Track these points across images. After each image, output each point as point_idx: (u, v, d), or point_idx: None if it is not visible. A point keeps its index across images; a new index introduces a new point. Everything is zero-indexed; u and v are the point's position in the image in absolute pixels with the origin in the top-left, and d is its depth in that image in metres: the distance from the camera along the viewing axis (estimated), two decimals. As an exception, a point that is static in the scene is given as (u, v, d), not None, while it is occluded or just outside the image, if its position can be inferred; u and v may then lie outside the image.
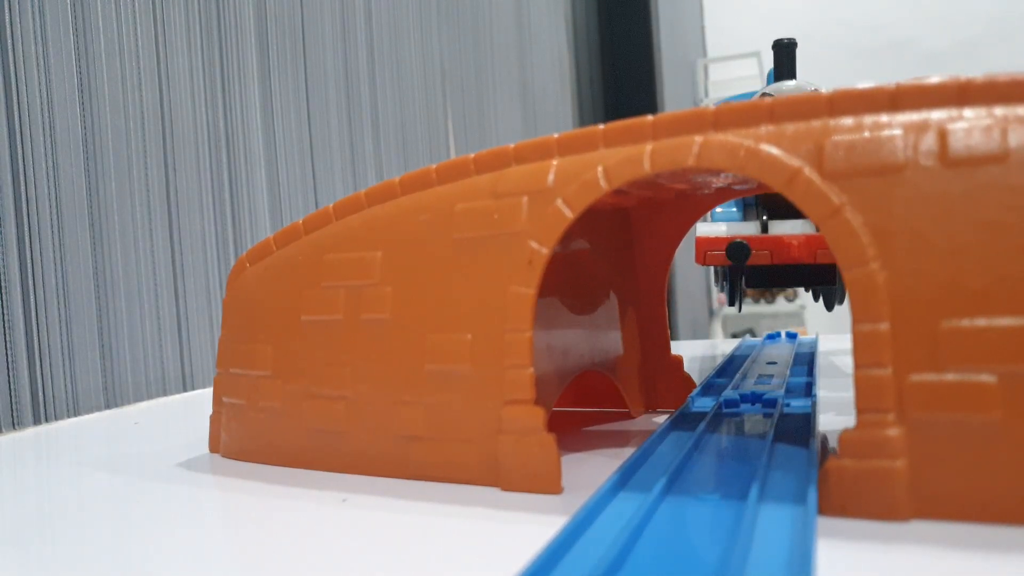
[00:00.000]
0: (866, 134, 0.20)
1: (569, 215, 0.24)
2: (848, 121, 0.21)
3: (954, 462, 0.19)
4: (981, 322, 0.18)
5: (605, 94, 1.61)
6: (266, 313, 0.30)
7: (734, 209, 0.35)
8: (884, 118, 0.20)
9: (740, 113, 0.22)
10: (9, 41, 0.44)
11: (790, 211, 0.34)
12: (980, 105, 0.20)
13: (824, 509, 0.20)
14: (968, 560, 0.17)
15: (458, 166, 0.27)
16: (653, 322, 0.35)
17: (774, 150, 0.21)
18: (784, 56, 0.31)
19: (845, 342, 0.45)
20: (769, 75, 0.36)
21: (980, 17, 2.16)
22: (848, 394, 0.36)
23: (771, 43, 0.33)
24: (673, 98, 1.82)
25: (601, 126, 0.25)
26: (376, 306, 0.27)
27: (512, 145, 0.26)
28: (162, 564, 0.20)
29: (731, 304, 0.36)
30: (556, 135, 0.25)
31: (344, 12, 0.73)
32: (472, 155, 0.27)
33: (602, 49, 1.62)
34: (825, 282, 0.34)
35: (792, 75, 0.35)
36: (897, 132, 0.20)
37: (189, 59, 0.56)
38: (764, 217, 0.33)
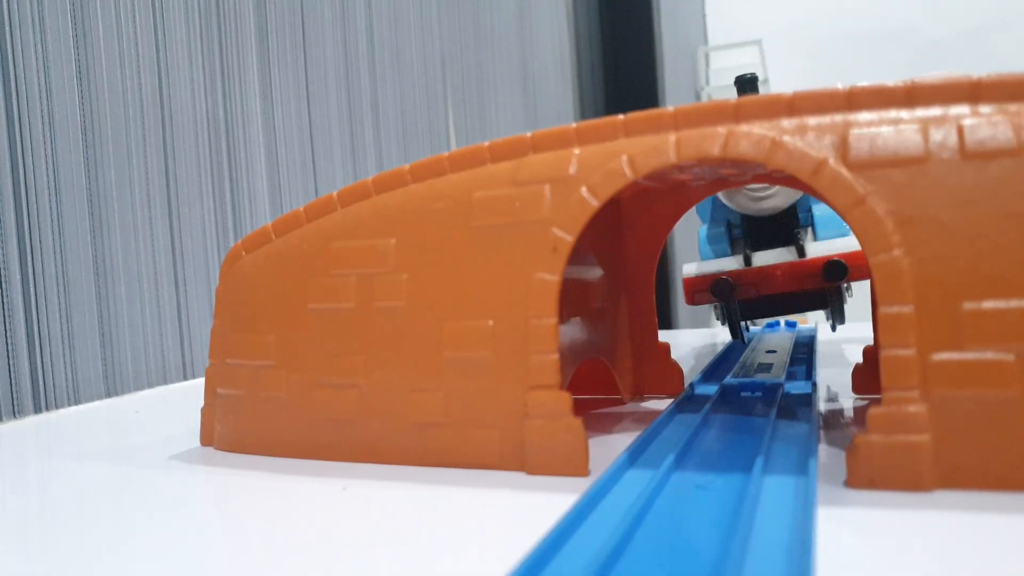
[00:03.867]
0: (888, 128, 0.21)
1: (594, 203, 0.24)
2: (868, 115, 0.22)
3: (975, 436, 0.20)
4: (1000, 304, 0.20)
5: (606, 82, 1.61)
6: (267, 302, 0.30)
7: (716, 247, 0.36)
8: (904, 113, 0.22)
9: (761, 106, 0.23)
10: (7, 28, 0.43)
11: (775, 238, 0.35)
12: (993, 102, 0.21)
13: (852, 482, 0.21)
14: (988, 523, 0.18)
15: (472, 154, 0.27)
16: (642, 310, 0.36)
17: (799, 142, 0.22)
18: (748, 91, 0.32)
19: (844, 331, 0.46)
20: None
21: (982, 6, 2.19)
22: (846, 374, 0.37)
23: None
24: (674, 86, 1.81)
25: (621, 116, 0.25)
26: (391, 294, 0.27)
27: (529, 134, 0.26)
28: (164, 555, 0.19)
29: (735, 338, 0.37)
30: (575, 124, 0.26)
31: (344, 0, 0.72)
32: (487, 143, 0.27)
33: (603, 37, 1.61)
34: (817, 307, 0.35)
35: None
36: (918, 126, 0.21)
37: (188, 46, 0.55)
38: (747, 250, 0.34)
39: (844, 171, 0.21)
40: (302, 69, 0.66)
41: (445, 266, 0.26)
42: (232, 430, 0.30)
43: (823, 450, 0.25)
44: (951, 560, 0.16)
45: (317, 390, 0.28)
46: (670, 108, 0.24)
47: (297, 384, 0.28)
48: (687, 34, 2.20)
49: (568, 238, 0.24)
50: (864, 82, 0.23)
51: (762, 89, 0.31)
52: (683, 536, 0.18)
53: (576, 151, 0.25)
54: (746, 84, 0.31)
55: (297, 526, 0.21)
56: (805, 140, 0.22)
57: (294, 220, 0.30)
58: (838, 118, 0.22)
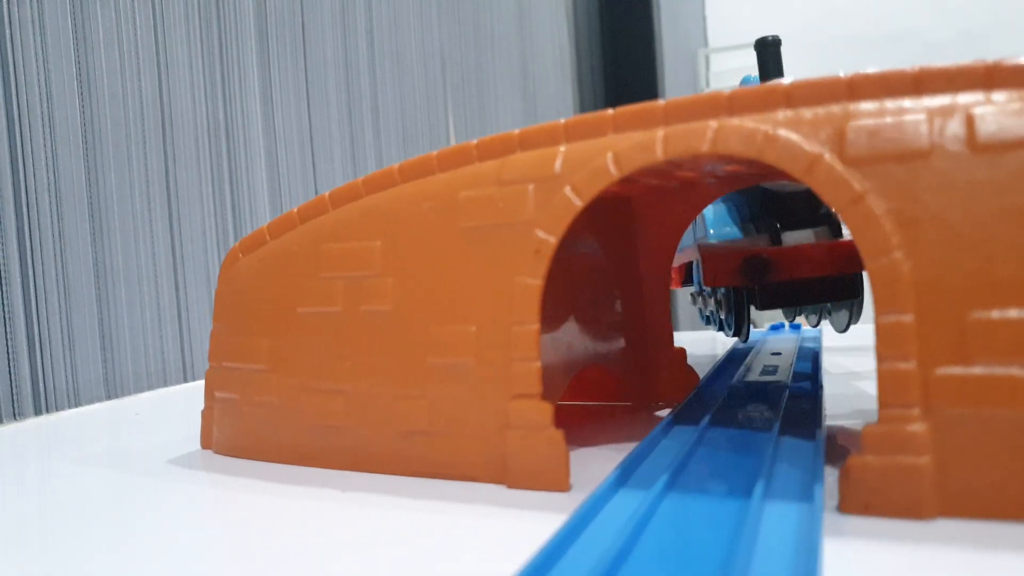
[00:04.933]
0: (889, 119, 0.20)
1: (578, 203, 0.23)
2: (869, 106, 0.20)
3: (983, 458, 0.18)
4: (1012, 313, 0.18)
5: (606, 83, 1.60)
6: (261, 305, 0.29)
7: (727, 228, 0.32)
8: (908, 103, 0.20)
9: (755, 97, 0.22)
10: (7, 31, 0.44)
11: (802, 217, 0.31)
12: (1010, 88, 0.19)
13: (846, 507, 0.19)
14: (995, 559, 0.16)
15: (460, 152, 0.26)
16: (655, 314, 0.35)
17: (793, 135, 0.20)
18: (769, 56, 0.28)
19: (847, 333, 0.44)
20: (745, 79, 0.32)
21: (982, 8, 2.13)
22: (854, 385, 0.35)
23: (753, 42, 0.30)
24: (674, 87, 1.79)
25: (610, 111, 0.24)
26: (376, 297, 0.26)
27: (516, 131, 0.25)
28: (157, 560, 0.19)
29: (737, 334, 0.32)
30: (563, 120, 0.25)
31: (344, 1, 0.72)
32: (474, 141, 0.26)
33: (603, 37, 1.60)
34: (848, 296, 0.31)
35: (780, 76, 0.30)
36: (922, 116, 0.19)
37: (188, 49, 0.55)
38: (777, 226, 0.30)
39: (840, 167, 0.20)
40: (302, 71, 0.66)
41: (430, 269, 0.25)
42: (228, 434, 0.30)
43: (830, 472, 0.23)
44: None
45: (306, 395, 0.27)
46: (661, 102, 0.23)
47: (288, 389, 0.28)
48: (687, 36, 2.16)
49: (551, 240, 0.23)
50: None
51: None
52: (673, 571, 0.16)
53: (562, 148, 0.24)
54: (768, 47, 0.28)
55: (276, 537, 0.20)
56: (800, 133, 0.20)
57: (288, 222, 0.29)
58: (837, 109, 0.20)
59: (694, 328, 0.46)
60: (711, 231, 0.32)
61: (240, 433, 0.30)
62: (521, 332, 0.23)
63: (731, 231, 0.32)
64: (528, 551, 0.17)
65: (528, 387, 0.23)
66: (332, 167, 0.69)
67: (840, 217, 0.20)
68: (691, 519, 0.19)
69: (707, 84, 2.27)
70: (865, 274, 0.31)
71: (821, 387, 0.31)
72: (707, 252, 0.31)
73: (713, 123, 0.22)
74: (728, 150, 0.21)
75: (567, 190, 0.23)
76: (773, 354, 0.40)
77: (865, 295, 0.31)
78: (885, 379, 0.19)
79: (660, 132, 0.22)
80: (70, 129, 0.47)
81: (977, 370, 0.18)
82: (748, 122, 0.21)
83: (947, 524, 0.18)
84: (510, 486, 0.23)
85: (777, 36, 0.28)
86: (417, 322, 0.25)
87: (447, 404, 0.25)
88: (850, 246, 0.30)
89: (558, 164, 0.24)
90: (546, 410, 0.23)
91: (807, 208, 0.31)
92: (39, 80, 0.45)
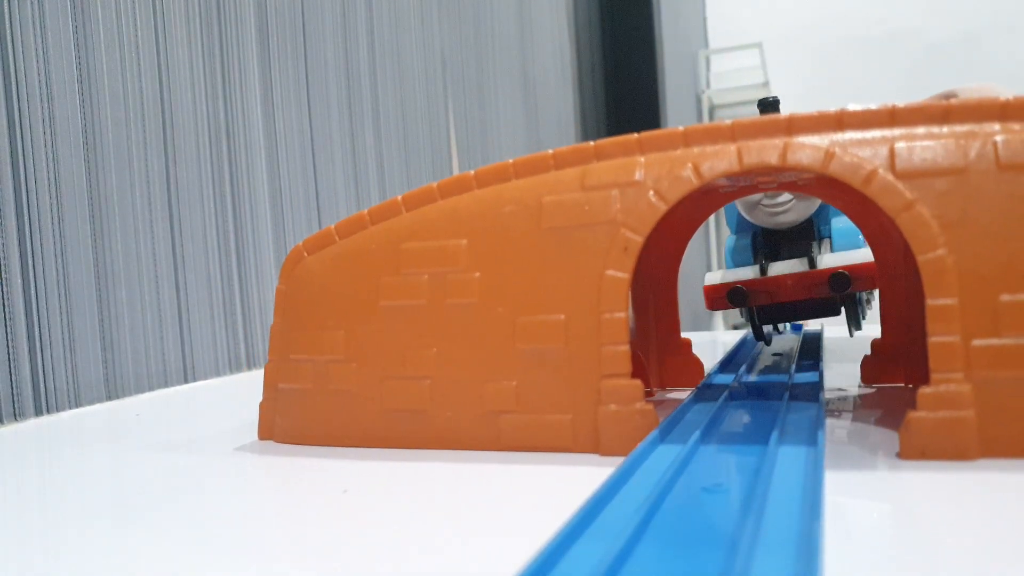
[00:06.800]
0: (930, 142, 0.24)
1: (663, 207, 0.27)
2: (910, 130, 0.25)
3: (1014, 410, 0.23)
4: (1033, 296, 0.23)
5: (606, 83, 1.62)
6: (336, 300, 0.31)
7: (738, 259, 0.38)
8: (945, 129, 0.24)
9: (811, 121, 0.26)
10: (8, 31, 0.43)
11: (792, 250, 0.37)
12: (1020, 120, 0.24)
13: (905, 454, 0.24)
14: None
15: (536, 161, 0.29)
16: (665, 305, 0.39)
17: (852, 152, 0.25)
18: (771, 112, 0.34)
19: (843, 334, 0.49)
20: None
21: (982, 8, 2.20)
22: (847, 368, 0.40)
23: (757, 102, 0.36)
24: (675, 88, 1.81)
25: (681, 128, 0.28)
26: (463, 291, 0.29)
27: (592, 143, 0.29)
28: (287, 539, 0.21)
29: (758, 339, 0.39)
30: (636, 135, 0.28)
31: (345, 2, 0.73)
32: (551, 152, 0.29)
33: (603, 39, 1.62)
34: (831, 314, 0.37)
35: None
36: (957, 141, 0.24)
37: (189, 49, 0.55)
38: (763, 261, 0.37)
39: (892, 179, 0.24)
40: (303, 72, 0.67)
41: (516, 265, 0.28)
42: (296, 424, 0.32)
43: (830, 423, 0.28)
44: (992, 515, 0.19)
45: (389, 382, 0.30)
46: (727, 121, 0.27)
47: (368, 377, 0.30)
48: (688, 37, 2.21)
49: (638, 239, 0.27)
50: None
51: (763, 92, 0.34)
52: (710, 497, 0.21)
53: (641, 159, 0.28)
54: (769, 106, 0.34)
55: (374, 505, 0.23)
56: (856, 151, 0.25)
57: (358, 223, 0.31)
58: (884, 132, 0.25)
59: (695, 328, 0.50)
60: (727, 258, 0.38)
61: (311, 422, 0.31)
62: (611, 320, 0.27)
63: (741, 259, 0.38)
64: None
65: (619, 368, 0.26)
66: (333, 167, 0.70)
67: (895, 221, 0.24)
68: (721, 461, 0.24)
69: (708, 85, 2.28)
70: (837, 296, 0.37)
71: (822, 360, 0.36)
72: (707, 285, 0.38)
73: (778, 140, 0.26)
74: (796, 163, 0.25)
75: (651, 195, 0.27)
76: (774, 355, 0.44)
77: (860, 308, 0.38)
78: (935, 350, 0.23)
79: (732, 146, 0.26)
80: (71, 129, 0.47)
81: (1007, 341, 0.23)
82: (810, 140, 0.25)
83: (988, 462, 0.23)
84: (603, 454, 0.27)
85: (776, 97, 0.34)
86: (504, 313, 0.28)
87: (536, 385, 0.28)
88: (814, 276, 0.36)
89: (640, 172, 0.27)
90: (639, 387, 0.26)
91: (791, 245, 0.38)
92: (40, 80, 0.45)
